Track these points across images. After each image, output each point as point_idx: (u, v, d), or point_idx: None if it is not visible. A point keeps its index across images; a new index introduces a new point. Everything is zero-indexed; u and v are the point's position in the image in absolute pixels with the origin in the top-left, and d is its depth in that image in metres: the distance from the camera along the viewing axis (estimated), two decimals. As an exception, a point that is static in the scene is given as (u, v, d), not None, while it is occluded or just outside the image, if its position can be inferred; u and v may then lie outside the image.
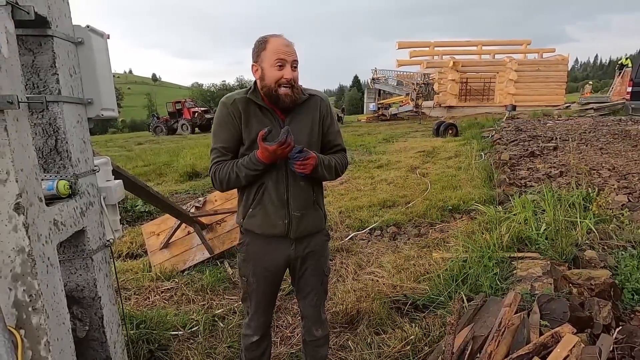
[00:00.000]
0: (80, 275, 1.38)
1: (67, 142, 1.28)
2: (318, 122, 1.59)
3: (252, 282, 1.64)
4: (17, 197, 0.98)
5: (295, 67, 1.46)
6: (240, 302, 2.28)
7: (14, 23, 1.01)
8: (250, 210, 1.56)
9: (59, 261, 1.17)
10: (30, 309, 1.04)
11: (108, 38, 1.45)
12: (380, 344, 2.24)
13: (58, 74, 1.24)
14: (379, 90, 29.83)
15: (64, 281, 1.19)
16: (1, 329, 0.96)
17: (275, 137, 1.41)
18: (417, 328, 2.28)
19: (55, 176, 1.28)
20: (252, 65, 1.50)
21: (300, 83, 1.53)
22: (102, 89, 1.41)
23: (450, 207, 4.80)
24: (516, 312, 1.91)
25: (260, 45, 1.45)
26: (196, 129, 27.04)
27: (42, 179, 1.17)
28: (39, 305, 1.04)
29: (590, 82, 29.56)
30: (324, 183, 1.70)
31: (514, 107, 19.96)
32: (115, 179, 1.62)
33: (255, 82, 1.54)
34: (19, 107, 0.97)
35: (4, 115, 0.94)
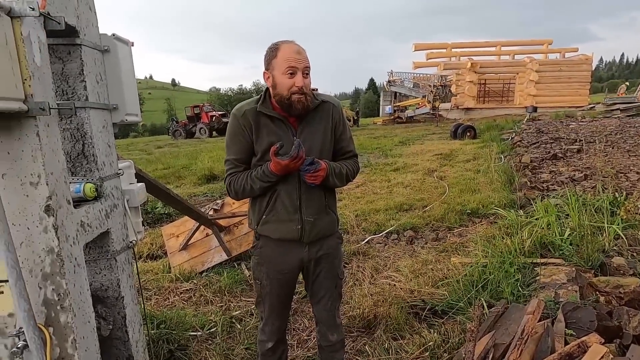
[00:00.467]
0: (105, 275, 1.42)
1: (93, 147, 1.33)
2: (331, 129, 1.59)
3: (266, 285, 1.65)
4: (47, 200, 1.02)
5: (307, 74, 1.46)
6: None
7: (46, 33, 1.06)
8: (264, 217, 1.58)
9: (85, 261, 1.21)
10: (58, 307, 1.07)
11: (132, 46, 1.49)
12: (398, 350, 2.21)
13: (86, 81, 1.28)
14: (395, 92, 29.64)
15: (89, 281, 1.23)
16: (32, 326, 1.00)
17: (288, 149, 1.43)
18: (435, 334, 2.24)
19: (82, 179, 1.33)
20: (264, 73, 1.50)
21: (316, 87, 1.53)
22: (127, 95, 1.46)
23: (469, 211, 4.70)
24: (540, 320, 1.85)
25: (271, 53, 1.45)
26: (214, 133, 27.52)
27: (70, 182, 1.22)
28: (67, 303, 1.07)
29: (627, 83, 28.47)
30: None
31: (534, 109, 19.47)
32: (137, 182, 1.67)
33: (266, 91, 1.54)
34: (50, 114, 1.01)
35: (36, 121, 0.98)
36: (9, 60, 0.91)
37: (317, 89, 1.58)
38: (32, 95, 0.96)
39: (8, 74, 0.90)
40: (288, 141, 1.49)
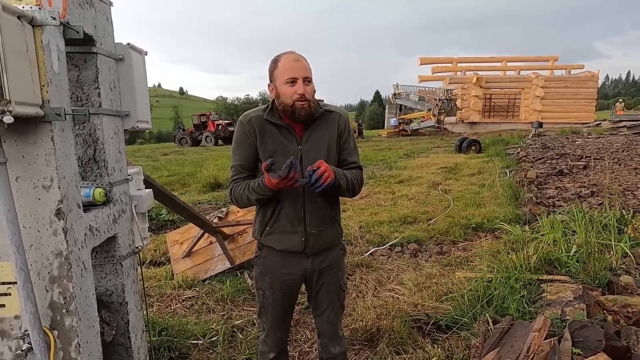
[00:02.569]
0: (110, 280, 1.43)
1: (104, 152, 1.35)
2: (336, 138, 1.60)
3: (269, 296, 1.64)
4: (58, 203, 1.04)
5: (309, 82, 1.48)
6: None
7: (64, 41, 1.09)
8: (267, 227, 1.58)
9: (91, 266, 1.21)
10: (64, 310, 1.08)
11: (146, 55, 1.53)
12: (401, 365, 2.17)
13: (100, 88, 1.31)
14: (400, 105, 29.79)
15: (94, 285, 1.24)
16: (37, 329, 1.00)
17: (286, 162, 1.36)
18: (439, 349, 2.21)
19: (92, 184, 1.35)
20: (268, 85, 1.54)
21: (321, 98, 1.55)
22: (139, 103, 1.49)
23: (474, 225, 4.67)
24: (546, 338, 1.82)
25: (273, 65, 1.49)
26: (219, 141, 27.71)
27: (80, 187, 1.23)
28: (73, 307, 1.08)
29: (621, 100, 28.43)
30: (341, 198, 1.68)
31: (540, 124, 19.47)
32: (145, 188, 1.69)
33: (273, 101, 1.56)
34: (65, 119, 1.03)
35: (51, 126, 1.01)
36: (28, 67, 0.94)
37: (322, 100, 1.59)
38: (48, 101, 0.99)
39: (27, 79, 0.93)
40: (292, 150, 1.50)
